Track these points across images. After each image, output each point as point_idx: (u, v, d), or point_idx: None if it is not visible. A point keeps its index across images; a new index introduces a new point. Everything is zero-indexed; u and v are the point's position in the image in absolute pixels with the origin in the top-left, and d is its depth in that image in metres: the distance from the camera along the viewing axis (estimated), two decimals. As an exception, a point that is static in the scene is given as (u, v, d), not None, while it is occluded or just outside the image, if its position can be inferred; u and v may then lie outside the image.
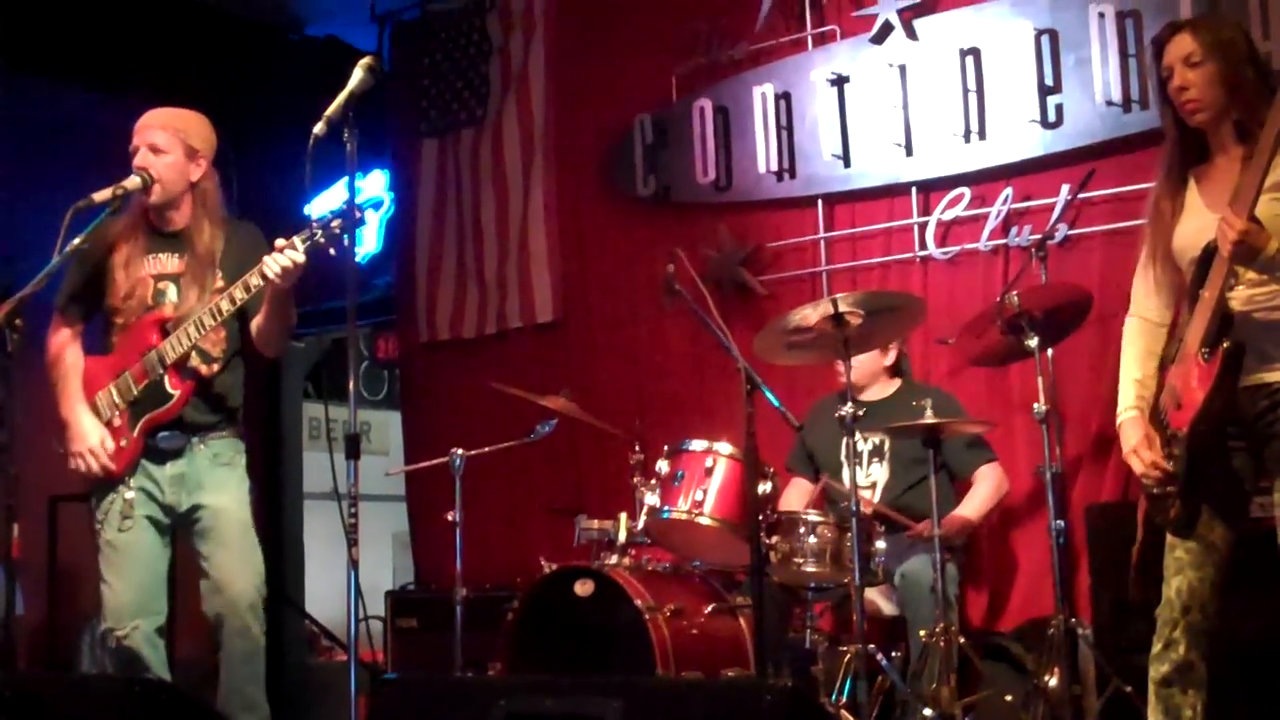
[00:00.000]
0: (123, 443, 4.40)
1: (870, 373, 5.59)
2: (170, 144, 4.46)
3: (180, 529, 4.48)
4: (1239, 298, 3.46)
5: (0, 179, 7.68)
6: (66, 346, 4.53)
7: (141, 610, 4.38)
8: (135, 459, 4.42)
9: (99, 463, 4.37)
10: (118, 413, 4.42)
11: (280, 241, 4.20)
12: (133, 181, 4.39)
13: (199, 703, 3.57)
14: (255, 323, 4.47)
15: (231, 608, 4.36)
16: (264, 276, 4.21)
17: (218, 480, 4.46)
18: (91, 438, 4.38)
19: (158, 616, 4.42)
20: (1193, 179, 3.64)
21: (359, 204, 4.03)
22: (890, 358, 5.65)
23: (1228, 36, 3.58)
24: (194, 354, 4.41)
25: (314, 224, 4.19)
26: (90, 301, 4.53)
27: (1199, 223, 3.56)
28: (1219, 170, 3.59)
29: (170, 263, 4.49)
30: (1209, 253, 3.44)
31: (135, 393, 4.40)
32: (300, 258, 4.17)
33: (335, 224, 4.17)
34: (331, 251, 4.16)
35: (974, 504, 5.43)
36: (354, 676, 3.66)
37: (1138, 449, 3.61)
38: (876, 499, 5.45)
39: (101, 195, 4.34)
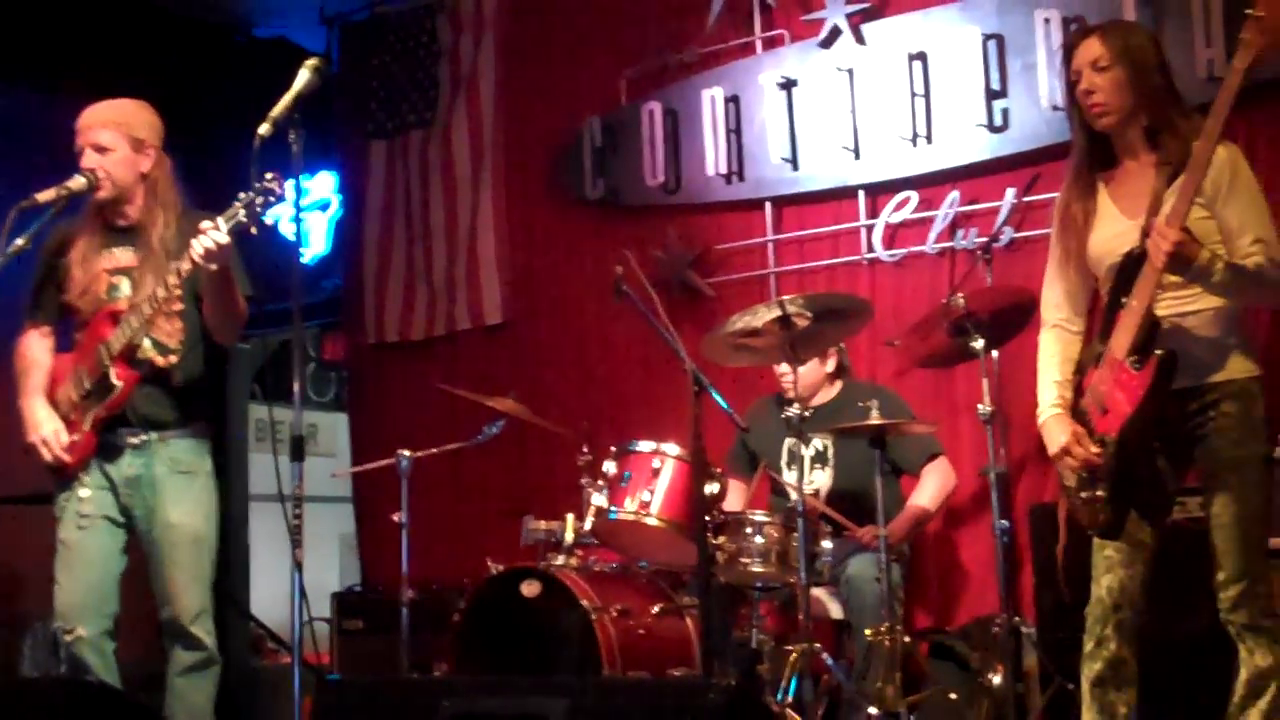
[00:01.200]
0: (76, 437, 4.33)
1: (813, 384, 5.60)
2: (115, 140, 4.39)
3: (133, 531, 4.42)
4: (1162, 304, 3.51)
5: (-56, 179, 7.61)
6: (31, 345, 4.48)
7: (88, 613, 4.31)
8: (89, 454, 4.34)
9: (52, 453, 4.31)
10: (74, 408, 4.36)
11: (205, 224, 4.10)
12: (77, 181, 4.34)
13: (144, 706, 3.55)
14: (205, 310, 4.40)
15: (177, 620, 4.34)
16: (192, 261, 4.13)
17: (175, 490, 4.39)
18: (44, 428, 4.33)
19: (105, 620, 4.34)
20: (1102, 184, 3.69)
21: (279, 182, 3.99)
22: (830, 365, 5.66)
23: (1136, 43, 3.63)
24: (149, 345, 4.34)
25: (236, 203, 4.09)
26: (54, 302, 4.48)
27: (1114, 229, 3.61)
28: (1129, 175, 3.64)
29: (124, 256, 4.42)
30: (1132, 260, 3.48)
31: (87, 386, 4.34)
32: (224, 238, 4.06)
33: (258, 201, 4.07)
34: (253, 230, 4.09)
35: (927, 494, 5.48)
36: (298, 678, 3.66)
37: (1069, 447, 3.62)
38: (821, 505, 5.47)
39: (45, 195, 4.30)
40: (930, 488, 5.49)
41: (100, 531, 4.35)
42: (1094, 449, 3.55)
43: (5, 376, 4.53)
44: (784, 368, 5.45)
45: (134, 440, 4.37)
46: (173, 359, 4.40)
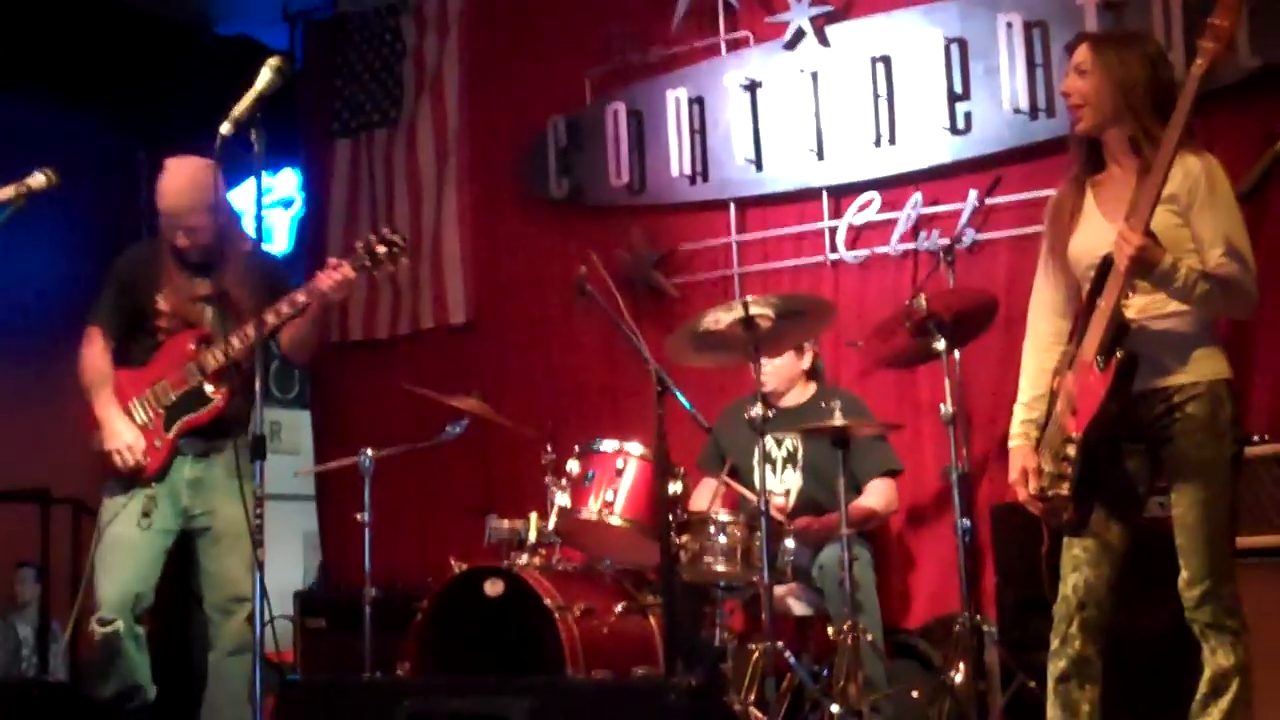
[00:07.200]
0: (156, 443, 4.68)
1: (788, 378, 5.63)
2: (202, 221, 4.74)
3: (188, 533, 4.78)
4: (1134, 306, 3.56)
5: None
6: (97, 356, 4.79)
7: (131, 602, 4.62)
8: (168, 460, 4.71)
9: (133, 459, 4.63)
10: (152, 417, 4.71)
11: (333, 260, 4.73)
12: (36, 180, 4.41)
13: (96, 702, 3.56)
14: (289, 335, 4.85)
15: (230, 605, 4.66)
16: (312, 292, 4.66)
17: (231, 491, 4.55)
18: (126, 435, 4.65)
19: (141, 607, 4.66)
20: (1090, 187, 3.73)
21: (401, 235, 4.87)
22: (806, 361, 5.68)
23: (1124, 55, 3.65)
24: (231, 366, 4.72)
25: (360, 248, 4.74)
26: (127, 325, 4.83)
27: (1095, 230, 3.64)
28: (1113, 180, 3.69)
29: (203, 286, 4.81)
30: (1107, 263, 3.51)
31: (173, 398, 4.71)
32: (352, 274, 4.72)
33: (380, 249, 4.75)
34: (375, 274, 4.89)
35: (870, 500, 5.46)
36: (258, 677, 3.65)
37: (1016, 484, 3.76)
38: (790, 505, 5.47)
39: (4, 193, 4.35)
40: (871, 499, 5.49)
41: (159, 533, 4.71)
42: (1035, 493, 3.67)
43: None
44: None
45: (201, 448, 4.76)
46: (240, 379, 4.76)
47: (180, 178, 4.78)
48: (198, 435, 4.73)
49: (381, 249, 4.76)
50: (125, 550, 4.66)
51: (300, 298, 4.65)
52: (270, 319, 4.63)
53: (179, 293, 4.80)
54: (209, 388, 4.71)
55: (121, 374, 4.79)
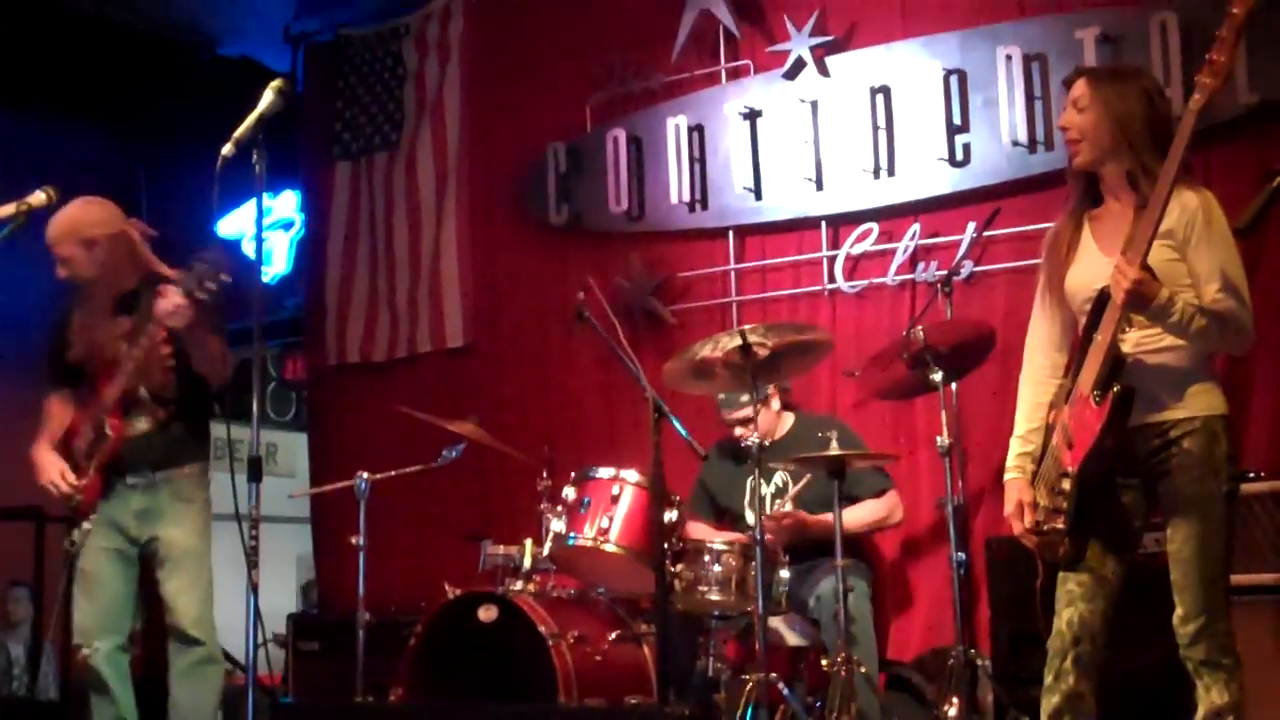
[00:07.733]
0: (84, 480, 4.75)
1: (767, 430, 5.58)
2: (70, 250, 4.76)
3: (143, 557, 4.82)
4: (1130, 340, 3.55)
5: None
6: (51, 403, 4.97)
7: (104, 631, 4.74)
8: (97, 494, 4.77)
9: (60, 491, 4.77)
10: (84, 456, 4.80)
11: (163, 287, 4.48)
12: (37, 197, 4.54)
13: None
14: (192, 362, 4.76)
15: (178, 624, 4.72)
16: (156, 321, 4.50)
17: (176, 515, 4.81)
18: (51, 471, 4.78)
19: (119, 635, 4.78)
20: (1088, 220, 3.73)
21: (223, 259, 4.37)
22: (776, 404, 5.66)
23: (1120, 90, 3.66)
24: (148, 399, 4.76)
25: (186, 272, 4.37)
26: (67, 372, 4.92)
27: (1091, 265, 3.64)
28: (1111, 215, 3.69)
29: (122, 324, 4.79)
30: (1104, 296, 3.52)
31: (91, 437, 4.78)
32: (182, 302, 4.40)
33: (207, 279, 4.32)
34: (202, 296, 4.36)
35: (855, 512, 5.37)
36: (251, 701, 3.65)
37: (1011, 517, 3.75)
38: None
39: (5, 210, 4.42)
40: (862, 510, 5.44)
41: (113, 561, 4.79)
42: (1030, 526, 3.66)
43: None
44: (738, 429, 5.45)
45: (140, 481, 4.79)
46: (171, 409, 4.80)
47: (62, 211, 4.82)
48: (141, 467, 4.77)
49: (207, 288, 4.35)
50: (91, 581, 4.78)
51: (150, 328, 4.60)
52: (137, 354, 4.63)
53: (96, 333, 4.85)
54: (108, 425, 4.75)
55: (76, 416, 4.89)
